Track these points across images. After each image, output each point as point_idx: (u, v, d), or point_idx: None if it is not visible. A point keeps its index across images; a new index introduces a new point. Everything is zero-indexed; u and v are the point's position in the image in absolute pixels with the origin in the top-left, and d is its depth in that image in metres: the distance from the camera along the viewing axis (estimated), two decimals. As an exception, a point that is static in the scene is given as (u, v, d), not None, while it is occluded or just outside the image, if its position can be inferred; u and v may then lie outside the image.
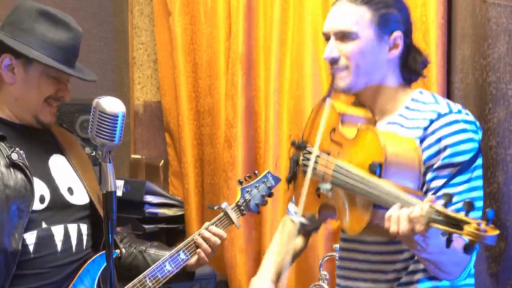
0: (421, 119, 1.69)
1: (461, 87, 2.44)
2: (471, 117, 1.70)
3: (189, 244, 2.17)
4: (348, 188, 1.59)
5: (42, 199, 1.93)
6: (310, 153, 1.81)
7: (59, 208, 1.97)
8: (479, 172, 1.67)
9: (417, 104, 1.74)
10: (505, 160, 2.16)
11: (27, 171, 1.91)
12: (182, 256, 2.15)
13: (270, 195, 2.29)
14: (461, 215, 1.26)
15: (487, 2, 2.36)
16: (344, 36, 1.73)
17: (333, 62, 1.75)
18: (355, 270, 1.82)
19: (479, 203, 1.64)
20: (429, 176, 1.65)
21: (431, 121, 1.66)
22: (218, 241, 2.15)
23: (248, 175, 2.30)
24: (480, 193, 1.67)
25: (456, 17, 2.50)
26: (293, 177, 1.92)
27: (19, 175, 1.89)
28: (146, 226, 3.33)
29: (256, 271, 3.22)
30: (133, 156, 3.86)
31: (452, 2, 2.54)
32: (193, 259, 2.18)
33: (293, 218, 2.02)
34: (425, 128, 1.67)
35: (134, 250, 2.22)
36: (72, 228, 1.99)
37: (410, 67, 1.78)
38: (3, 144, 1.92)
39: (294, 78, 3.05)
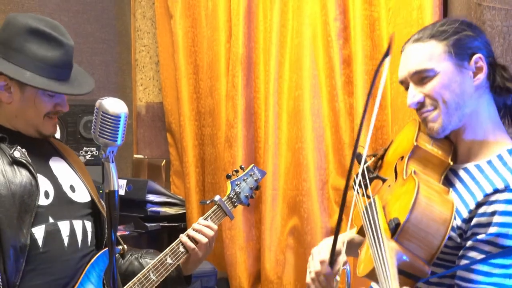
0: (490, 182, 1.53)
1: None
2: None
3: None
4: (366, 230, 1.49)
5: (47, 195, 1.94)
6: (369, 171, 1.71)
7: (63, 204, 1.98)
8: None
9: (498, 163, 1.57)
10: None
11: (30, 167, 1.91)
12: (181, 249, 2.14)
13: (257, 188, 2.36)
14: None
15: (482, 5, 2.35)
16: (421, 77, 1.60)
17: (420, 106, 1.62)
18: None
19: None
20: (468, 244, 1.52)
21: (495, 190, 1.51)
22: (211, 232, 2.13)
23: (235, 169, 2.35)
24: (509, 281, 1.50)
25: (452, 19, 2.49)
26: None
27: (23, 172, 1.90)
28: (148, 225, 3.33)
29: (256, 269, 3.25)
30: (135, 156, 3.86)
31: (448, 5, 2.53)
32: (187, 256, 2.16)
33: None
34: (486, 195, 1.52)
35: (130, 257, 2.22)
36: (77, 224, 2.00)
37: (501, 86, 1.62)
38: (4, 144, 1.92)
39: (293, 79, 3.05)
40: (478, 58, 1.59)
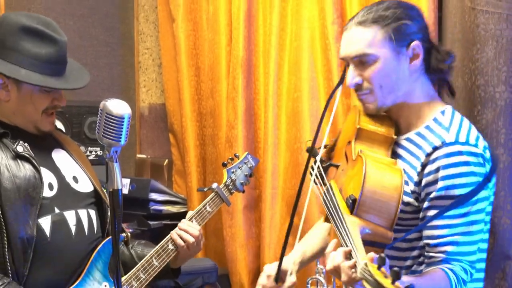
0: (428, 143, 1.61)
1: (451, 89, 2.44)
2: (478, 149, 1.58)
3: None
4: (328, 212, 1.55)
5: (50, 187, 1.95)
6: (322, 161, 1.77)
7: (68, 194, 1.99)
8: (480, 205, 1.57)
9: (435, 125, 1.65)
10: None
11: (33, 161, 1.92)
12: (171, 246, 2.12)
13: (251, 175, 2.38)
14: (387, 282, 1.16)
15: (476, 9, 2.36)
16: (362, 61, 1.66)
17: (357, 88, 1.69)
18: None
19: (474, 237, 1.56)
20: (425, 204, 1.58)
21: (434, 148, 1.58)
22: (196, 232, 2.10)
23: (230, 157, 2.37)
24: (479, 226, 1.57)
25: (446, 23, 2.50)
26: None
27: (27, 165, 1.91)
28: (151, 223, 3.33)
29: (256, 265, 3.25)
30: (138, 155, 3.86)
31: (443, 9, 2.53)
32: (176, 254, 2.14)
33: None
34: (427, 154, 1.59)
35: (121, 246, 2.20)
36: (83, 213, 2.01)
37: (434, 68, 1.69)
38: (6, 139, 1.93)
39: (292, 81, 3.05)
40: (416, 45, 1.64)
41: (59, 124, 3.01)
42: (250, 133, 3.25)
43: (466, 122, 1.65)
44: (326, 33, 2.91)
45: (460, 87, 2.34)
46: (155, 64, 3.89)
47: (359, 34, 1.66)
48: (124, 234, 2.12)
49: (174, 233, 2.10)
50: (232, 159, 2.35)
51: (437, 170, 1.56)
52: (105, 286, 2.01)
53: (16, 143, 1.92)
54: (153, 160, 3.80)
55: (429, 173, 1.57)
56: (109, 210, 2.08)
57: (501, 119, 2.15)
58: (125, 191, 3.34)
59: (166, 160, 3.75)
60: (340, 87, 1.75)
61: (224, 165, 2.34)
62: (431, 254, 1.57)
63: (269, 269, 1.85)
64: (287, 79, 3.07)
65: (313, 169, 1.77)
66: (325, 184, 1.72)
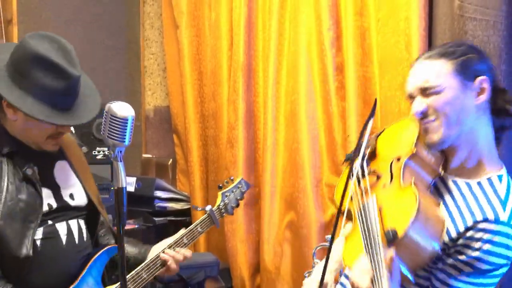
0: (480, 209, 1.52)
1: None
2: None
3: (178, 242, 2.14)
4: (361, 225, 1.47)
5: (50, 206, 1.92)
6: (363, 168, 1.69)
7: (62, 211, 1.96)
8: (494, 280, 1.52)
9: (488, 188, 1.55)
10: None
11: (38, 186, 1.89)
12: (159, 264, 2.10)
13: (242, 198, 2.40)
14: None
15: (464, 16, 2.35)
16: (428, 92, 1.57)
17: (423, 116, 1.58)
18: None
19: None
20: (450, 261, 1.52)
21: (485, 219, 1.50)
22: (181, 257, 2.08)
23: (226, 180, 2.39)
24: None
25: (436, 29, 2.49)
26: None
27: (31, 189, 1.87)
28: (156, 219, 3.33)
29: (256, 260, 3.25)
30: (144, 155, 3.86)
31: (433, 16, 2.53)
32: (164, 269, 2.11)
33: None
34: (476, 222, 1.50)
35: (106, 241, 2.16)
36: (73, 223, 1.98)
37: (500, 109, 1.60)
38: (17, 157, 1.88)
39: (290, 85, 3.04)
40: (483, 80, 1.56)
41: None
42: (250, 134, 3.25)
43: None
44: (322, 39, 2.91)
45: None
46: (160, 68, 3.89)
47: (426, 67, 1.60)
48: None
49: (162, 254, 2.07)
50: (227, 182, 2.38)
51: (478, 240, 1.49)
52: None
53: (26, 166, 1.87)
54: (158, 160, 3.80)
55: (470, 238, 1.50)
56: (101, 219, 2.08)
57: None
58: (132, 189, 3.34)
59: (171, 160, 3.75)
60: (371, 121, 1.63)
61: (220, 187, 2.36)
62: None
63: (310, 285, 1.79)
64: (285, 83, 3.07)
65: (355, 169, 1.67)
66: (365, 191, 1.62)
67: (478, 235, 1.49)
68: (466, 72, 1.56)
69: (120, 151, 1.45)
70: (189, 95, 3.55)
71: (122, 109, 1.44)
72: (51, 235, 1.91)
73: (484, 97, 1.57)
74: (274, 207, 3.11)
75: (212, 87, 3.44)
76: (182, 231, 2.17)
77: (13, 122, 1.89)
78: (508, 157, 2.21)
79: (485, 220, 1.50)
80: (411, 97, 1.63)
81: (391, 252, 1.37)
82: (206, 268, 3.00)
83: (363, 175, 1.67)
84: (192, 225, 2.21)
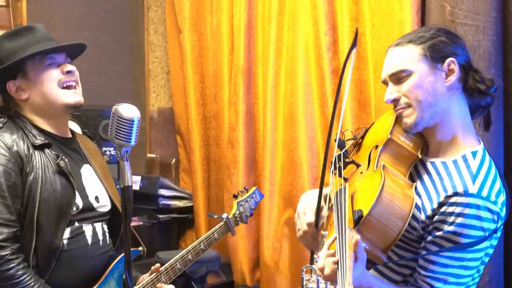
0: (451, 184, 1.52)
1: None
2: (496, 207, 1.49)
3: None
4: (334, 214, 1.46)
5: (76, 206, 1.93)
6: (346, 156, 1.69)
7: (88, 212, 1.96)
8: (478, 255, 1.51)
9: (462, 164, 1.54)
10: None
11: (70, 177, 1.89)
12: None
13: (255, 208, 2.45)
14: None
15: (456, 22, 2.35)
16: (398, 77, 1.58)
17: (395, 103, 1.60)
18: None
19: (463, 280, 1.51)
20: (429, 238, 1.52)
21: (455, 193, 1.50)
22: None
23: (241, 190, 2.44)
24: (470, 272, 1.52)
25: (429, 34, 2.49)
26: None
27: (64, 181, 1.88)
28: (160, 216, 3.33)
29: (256, 255, 3.25)
30: (148, 155, 3.85)
31: (425, 21, 2.53)
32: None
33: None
34: (447, 196, 1.50)
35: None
36: (98, 226, 1.99)
37: (472, 87, 1.58)
38: (49, 151, 1.89)
39: (288, 87, 3.04)
40: (450, 61, 1.56)
41: (76, 126, 3.00)
42: (250, 135, 3.25)
43: (492, 171, 1.55)
44: (319, 44, 2.91)
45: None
46: (164, 71, 3.89)
47: (396, 53, 1.60)
48: (140, 248, 2.08)
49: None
50: (242, 192, 2.42)
51: (451, 214, 1.49)
52: None
53: (59, 158, 1.89)
54: (162, 159, 3.80)
55: (443, 213, 1.50)
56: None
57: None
58: (137, 187, 3.35)
59: (174, 159, 3.75)
60: (354, 50, 1.62)
61: (235, 196, 2.40)
62: (419, 280, 1.54)
63: (307, 217, 1.70)
64: (283, 85, 3.07)
65: (339, 160, 1.67)
66: (345, 179, 1.63)
67: (450, 209, 1.49)
68: (434, 55, 1.56)
69: (126, 151, 1.46)
70: (192, 97, 3.55)
71: (128, 110, 1.44)
72: (78, 234, 1.92)
73: (454, 77, 1.56)
74: (273, 204, 3.11)
75: (213, 89, 3.44)
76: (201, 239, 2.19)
77: (30, 102, 1.92)
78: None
79: (455, 194, 1.50)
80: (385, 84, 1.63)
81: (356, 234, 1.37)
82: (208, 263, 3.00)
83: (340, 159, 1.67)
84: (209, 232, 2.24)
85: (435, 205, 1.53)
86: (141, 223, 3.29)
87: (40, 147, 1.88)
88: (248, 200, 2.40)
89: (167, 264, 2.09)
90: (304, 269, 2.64)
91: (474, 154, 1.56)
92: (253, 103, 3.24)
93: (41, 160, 1.86)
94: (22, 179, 1.82)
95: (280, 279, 3.10)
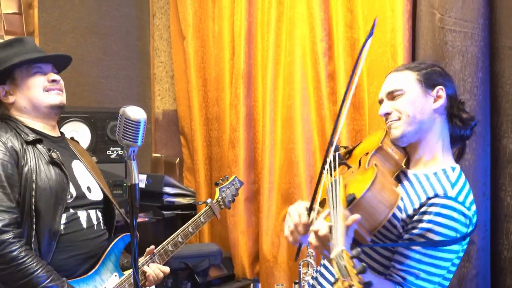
0: (432, 188, 1.60)
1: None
2: (469, 212, 1.57)
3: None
4: (328, 199, 1.51)
5: (70, 194, 1.96)
6: (340, 158, 1.76)
7: (81, 200, 2.00)
8: (449, 255, 1.55)
9: (442, 176, 1.63)
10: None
11: (63, 167, 1.94)
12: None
13: (236, 194, 2.49)
14: (353, 271, 1.13)
15: (445, 28, 2.36)
16: (394, 95, 1.69)
17: (387, 116, 1.70)
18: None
19: (433, 278, 1.54)
20: (406, 235, 1.57)
21: (435, 195, 1.57)
22: (161, 274, 2.07)
23: (221, 178, 2.48)
24: (441, 271, 1.55)
25: (419, 41, 2.50)
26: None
27: (57, 170, 1.93)
28: (164, 212, 3.32)
29: (255, 249, 3.25)
30: (154, 154, 3.85)
31: (416, 28, 2.53)
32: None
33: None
34: (428, 198, 1.57)
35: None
36: (92, 212, 2.03)
37: (455, 114, 1.70)
38: (41, 146, 1.95)
39: (286, 91, 3.05)
40: (439, 89, 1.68)
41: (85, 128, 3.01)
42: (250, 136, 3.25)
43: (468, 185, 1.64)
44: (315, 49, 2.91)
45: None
46: (168, 76, 3.89)
47: (394, 77, 1.72)
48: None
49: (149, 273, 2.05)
50: (223, 180, 2.47)
51: (429, 212, 1.54)
52: (115, 275, 2.02)
53: (51, 151, 1.94)
54: (166, 159, 3.80)
55: (422, 213, 1.56)
56: (116, 209, 2.12)
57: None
58: (142, 185, 3.34)
59: (178, 159, 3.74)
60: (370, 39, 1.74)
61: (217, 184, 2.44)
62: (393, 273, 1.57)
63: (297, 209, 1.71)
64: (282, 89, 3.07)
65: (334, 160, 1.72)
66: (332, 175, 1.67)
67: (429, 209, 1.55)
68: (426, 82, 1.68)
69: (133, 151, 1.46)
70: (195, 100, 3.55)
71: (135, 112, 1.45)
72: (73, 219, 1.95)
73: (440, 102, 1.67)
74: (272, 201, 3.11)
75: (215, 92, 3.44)
76: (188, 223, 2.20)
77: (17, 105, 1.97)
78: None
79: (436, 196, 1.57)
80: (381, 103, 1.73)
81: (348, 212, 1.43)
82: (210, 257, 3.00)
83: (334, 161, 1.71)
84: (196, 216, 2.25)
85: (416, 206, 1.59)
86: (146, 219, 3.28)
87: (32, 143, 1.93)
88: (229, 186, 2.45)
89: (159, 247, 2.11)
90: (301, 263, 2.65)
91: (453, 169, 1.66)
92: (253, 105, 3.24)
93: (34, 153, 1.91)
94: (18, 171, 1.86)
95: (279, 272, 3.11)
